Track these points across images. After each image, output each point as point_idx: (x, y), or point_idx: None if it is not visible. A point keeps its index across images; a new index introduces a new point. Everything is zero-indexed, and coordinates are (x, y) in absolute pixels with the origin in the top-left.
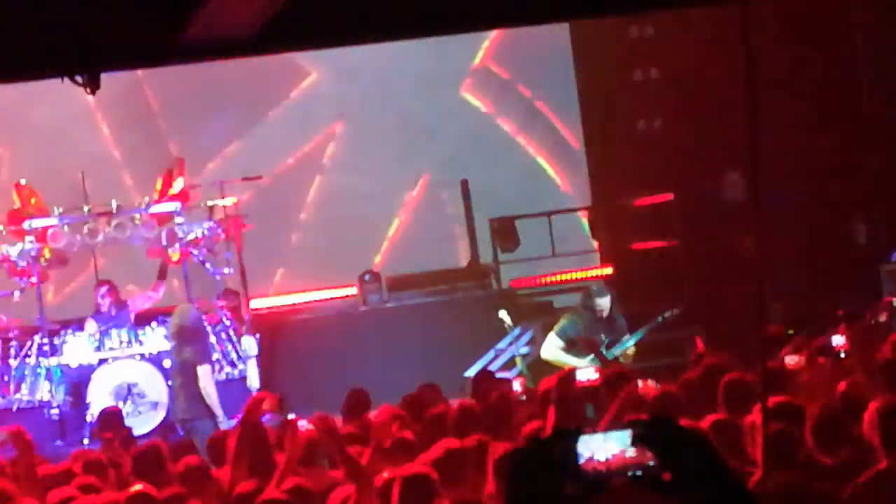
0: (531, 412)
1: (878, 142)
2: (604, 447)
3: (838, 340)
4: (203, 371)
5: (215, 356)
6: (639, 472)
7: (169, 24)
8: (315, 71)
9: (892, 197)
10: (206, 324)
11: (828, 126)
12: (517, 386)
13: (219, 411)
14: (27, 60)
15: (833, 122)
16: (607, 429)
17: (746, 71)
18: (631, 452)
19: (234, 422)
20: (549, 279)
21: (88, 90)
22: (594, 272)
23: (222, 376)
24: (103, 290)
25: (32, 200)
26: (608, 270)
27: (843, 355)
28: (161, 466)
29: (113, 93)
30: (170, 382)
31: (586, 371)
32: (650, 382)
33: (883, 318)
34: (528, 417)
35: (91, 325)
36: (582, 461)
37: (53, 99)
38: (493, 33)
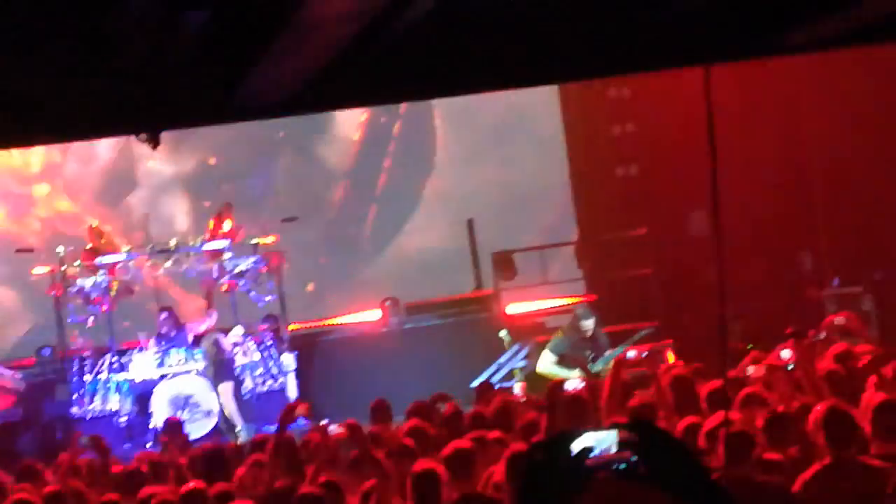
0: (531, 416)
1: (821, 188)
2: (595, 445)
3: (786, 354)
4: (223, 388)
5: (259, 370)
6: (622, 465)
7: (221, 87)
8: (341, 124)
9: (833, 233)
10: (224, 348)
11: (779, 172)
12: (518, 390)
13: (238, 421)
14: (96, 120)
15: (783, 170)
16: (597, 428)
17: (708, 127)
18: (615, 449)
19: (265, 428)
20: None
21: (151, 146)
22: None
23: (265, 388)
24: (164, 315)
25: (103, 240)
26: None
27: (790, 367)
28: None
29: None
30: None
31: (573, 381)
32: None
33: (823, 335)
34: (528, 420)
35: (153, 346)
36: (581, 458)
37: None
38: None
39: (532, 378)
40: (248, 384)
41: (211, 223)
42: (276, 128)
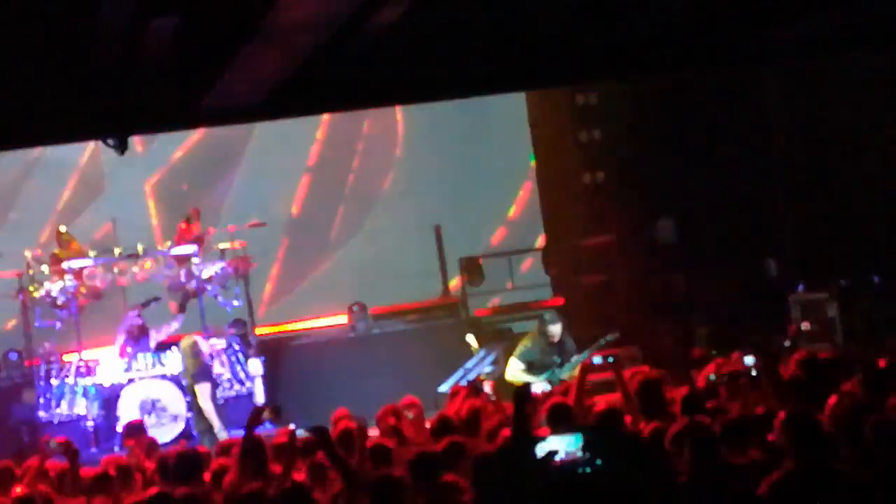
0: (498, 420)
1: (786, 196)
2: (560, 449)
3: (749, 361)
4: (199, 389)
5: (227, 376)
6: (588, 469)
7: (188, 94)
8: (307, 134)
9: (797, 240)
10: (203, 350)
11: (745, 180)
12: (487, 388)
13: (216, 423)
14: (64, 125)
15: (749, 177)
16: (563, 433)
17: (677, 136)
18: (580, 453)
19: (233, 432)
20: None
21: (118, 151)
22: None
23: (232, 392)
24: (138, 320)
25: (71, 244)
26: (559, 301)
27: (753, 373)
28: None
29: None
30: (188, 399)
31: (539, 384)
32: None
33: (787, 342)
34: (496, 424)
35: (120, 339)
36: (546, 462)
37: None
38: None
39: (500, 384)
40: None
41: (178, 228)
42: (242, 130)
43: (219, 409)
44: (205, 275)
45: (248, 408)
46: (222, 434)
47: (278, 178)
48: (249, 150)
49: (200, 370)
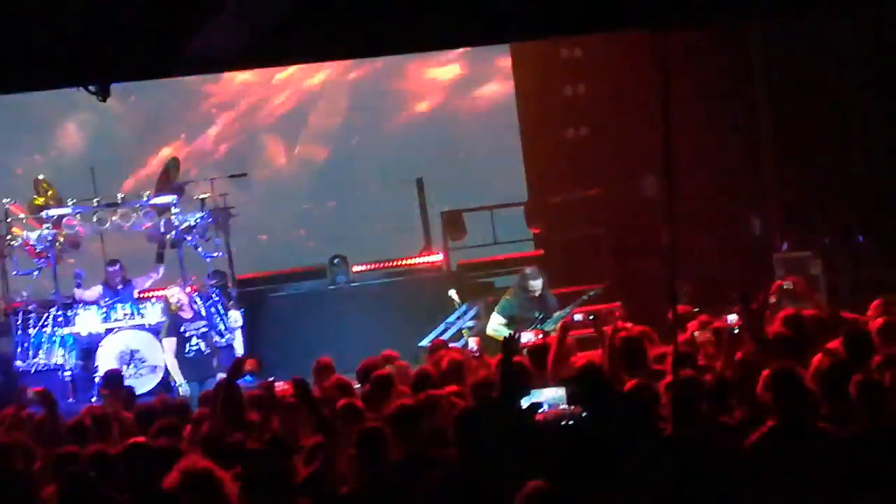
0: (482, 374)
1: (771, 152)
2: (544, 402)
3: (732, 318)
4: (166, 343)
5: (203, 325)
6: (571, 421)
7: (172, 41)
8: (290, 86)
9: (782, 197)
10: (182, 302)
11: (729, 137)
12: (473, 344)
13: (178, 377)
14: (46, 72)
15: (733, 134)
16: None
17: (662, 90)
18: (565, 405)
19: (196, 385)
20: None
21: (100, 98)
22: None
23: (212, 344)
24: (115, 267)
25: (49, 192)
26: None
27: (736, 331)
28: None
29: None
30: None
31: (527, 334)
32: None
33: (772, 299)
34: (479, 378)
35: (97, 290)
36: (530, 415)
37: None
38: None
39: (481, 339)
40: (194, 341)
41: (159, 177)
42: (221, 80)
43: (186, 362)
44: (184, 225)
45: (228, 359)
46: (183, 388)
47: (265, 133)
48: (234, 102)
49: (170, 323)
